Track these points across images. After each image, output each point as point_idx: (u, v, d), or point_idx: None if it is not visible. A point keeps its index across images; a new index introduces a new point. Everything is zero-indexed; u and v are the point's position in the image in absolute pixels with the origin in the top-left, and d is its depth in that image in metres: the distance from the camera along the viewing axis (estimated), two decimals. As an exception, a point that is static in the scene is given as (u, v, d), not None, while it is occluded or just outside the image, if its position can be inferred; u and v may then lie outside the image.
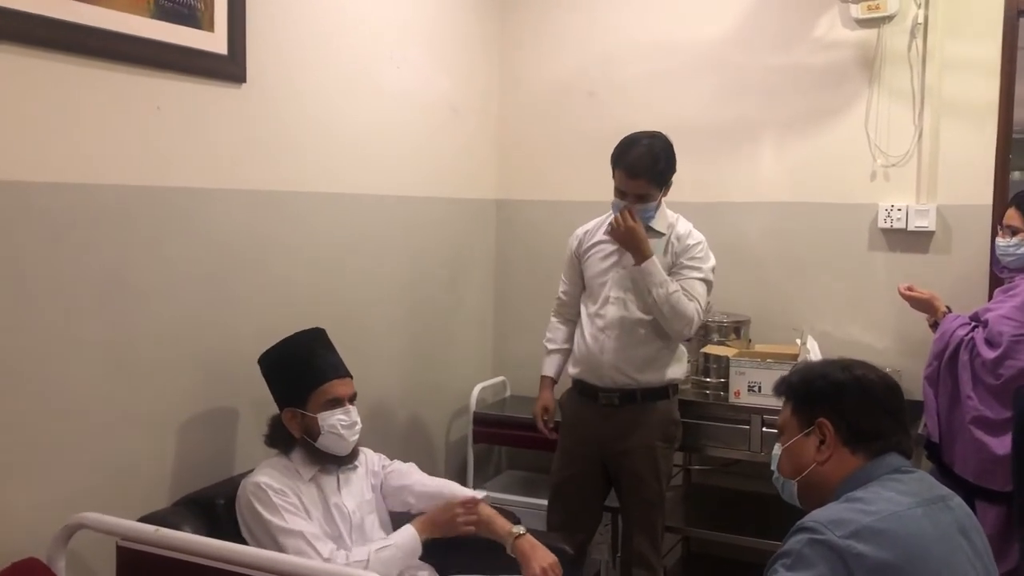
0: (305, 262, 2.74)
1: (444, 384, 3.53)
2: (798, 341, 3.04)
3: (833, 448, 1.57)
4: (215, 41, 2.39)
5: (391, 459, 2.49)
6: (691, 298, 2.65)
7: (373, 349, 3.07)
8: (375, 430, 3.04)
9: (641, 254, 2.62)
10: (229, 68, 2.44)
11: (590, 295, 2.82)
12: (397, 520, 2.39)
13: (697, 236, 2.75)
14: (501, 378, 3.78)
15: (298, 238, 2.71)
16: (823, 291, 3.32)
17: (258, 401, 2.38)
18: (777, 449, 1.68)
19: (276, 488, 2.13)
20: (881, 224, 3.21)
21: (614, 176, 2.68)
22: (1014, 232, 2.68)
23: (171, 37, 2.25)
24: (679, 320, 2.63)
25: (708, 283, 2.74)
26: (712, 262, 2.76)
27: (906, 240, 3.19)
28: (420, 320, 3.35)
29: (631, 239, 2.62)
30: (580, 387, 2.82)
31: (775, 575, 1.41)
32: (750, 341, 3.24)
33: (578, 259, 2.86)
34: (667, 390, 2.78)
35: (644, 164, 2.62)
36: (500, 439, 3.58)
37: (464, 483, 3.52)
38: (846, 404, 1.58)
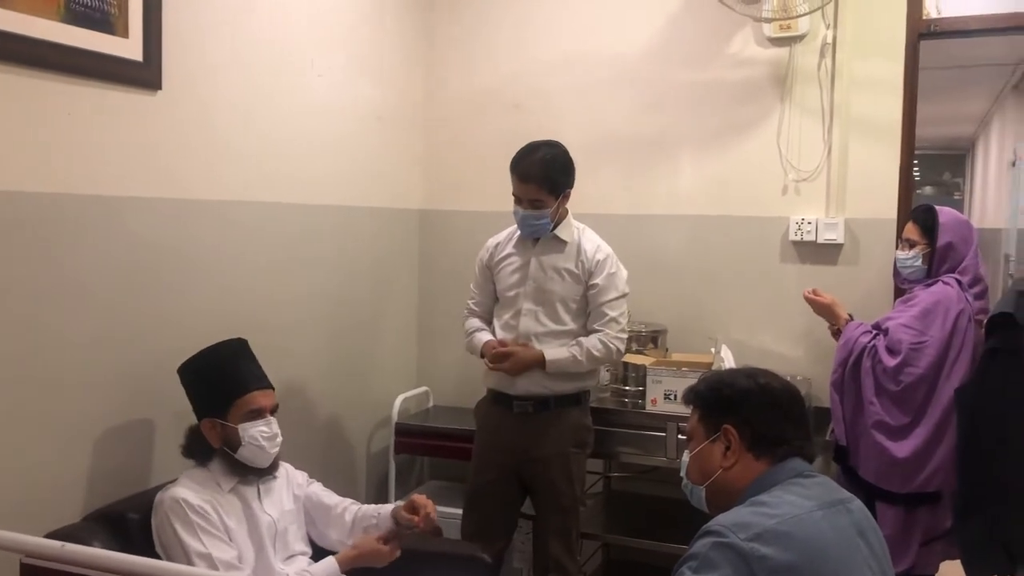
0: (225, 271, 2.70)
1: (367, 394, 3.51)
2: (713, 350, 3.12)
3: (738, 454, 1.62)
4: (129, 47, 2.35)
5: (311, 478, 2.48)
6: (606, 340, 2.74)
7: (295, 360, 3.04)
8: (297, 441, 2.99)
9: (537, 365, 2.71)
10: (144, 74, 2.40)
11: (503, 306, 2.86)
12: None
13: (605, 249, 2.82)
14: (424, 388, 3.78)
15: (218, 247, 2.67)
16: (738, 301, 3.41)
17: (177, 413, 2.34)
18: (686, 456, 1.73)
19: (195, 505, 2.09)
20: (792, 237, 3.32)
21: (512, 182, 2.75)
22: (912, 245, 2.79)
23: (82, 42, 2.20)
24: (606, 362, 2.84)
25: (624, 296, 2.82)
26: (624, 273, 2.84)
27: (816, 252, 3.30)
28: (343, 330, 3.34)
29: (518, 365, 2.71)
30: (494, 396, 2.86)
31: (681, 578, 1.46)
32: (667, 350, 3.31)
33: (489, 270, 2.90)
34: (579, 397, 2.84)
35: (535, 170, 2.70)
36: (422, 449, 3.58)
37: (386, 493, 3.53)
38: (750, 411, 1.64)
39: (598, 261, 2.78)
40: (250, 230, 2.81)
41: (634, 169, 3.52)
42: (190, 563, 2.03)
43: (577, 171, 3.42)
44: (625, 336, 2.84)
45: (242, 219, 2.77)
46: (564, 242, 2.79)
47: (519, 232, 2.84)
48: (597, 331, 2.77)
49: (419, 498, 2.35)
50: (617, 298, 2.79)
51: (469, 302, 2.97)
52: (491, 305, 2.93)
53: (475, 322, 2.93)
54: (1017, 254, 5.84)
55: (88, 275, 2.25)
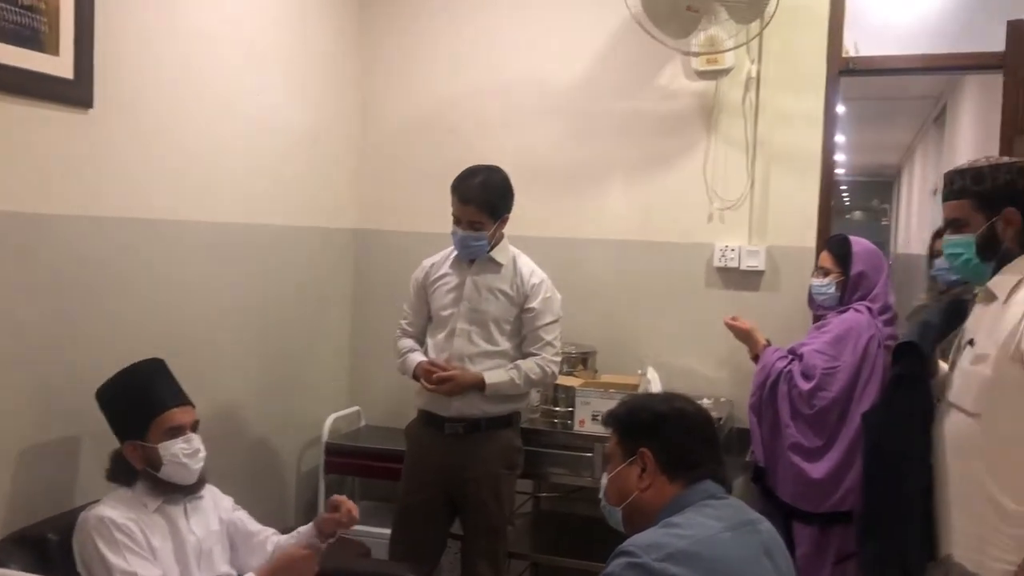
0: (154, 289, 2.69)
1: (297, 414, 3.51)
2: (640, 372, 3.20)
3: (653, 476, 1.68)
4: (60, 65, 2.34)
5: (239, 499, 2.47)
6: (543, 364, 2.83)
7: (223, 379, 3.03)
8: (225, 460, 2.98)
9: (476, 388, 2.76)
10: (75, 92, 2.40)
11: (436, 326, 2.90)
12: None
13: (540, 274, 2.89)
14: (356, 408, 3.79)
15: (147, 265, 2.67)
16: (664, 324, 3.50)
17: (100, 433, 2.31)
18: (604, 478, 1.79)
19: (119, 523, 2.08)
20: (716, 263, 3.42)
21: (452, 203, 2.80)
22: (826, 273, 2.90)
23: (11, 60, 2.20)
24: (542, 386, 2.90)
25: (558, 320, 2.89)
26: (558, 297, 2.91)
27: (739, 278, 3.41)
28: (273, 350, 3.33)
29: (457, 388, 2.75)
30: (426, 417, 2.88)
31: (596, 598, 1.51)
32: (596, 371, 3.39)
33: (424, 290, 2.93)
34: (511, 419, 2.89)
35: (476, 193, 2.76)
36: (353, 469, 3.59)
37: (315, 513, 3.50)
38: (665, 434, 1.70)
39: (533, 285, 2.85)
40: (179, 248, 2.80)
41: (565, 194, 3.60)
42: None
43: (511, 195, 3.48)
44: (559, 360, 2.91)
45: (171, 237, 2.76)
46: (500, 264, 2.85)
47: (455, 253, 2.89)
48: (533, 354, 2.83)
49: (339, 497, 2.36)
50: (552, 322, 2.86)
51: (402, 322, 3.00)
52: (424, 325, 2.96)
53: (408, 342, 2.96)
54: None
55: (9, 293, 2.22)
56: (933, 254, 3.12)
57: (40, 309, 2.32)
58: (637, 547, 1.51)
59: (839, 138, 7.20)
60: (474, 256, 2.84)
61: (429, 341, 2.91)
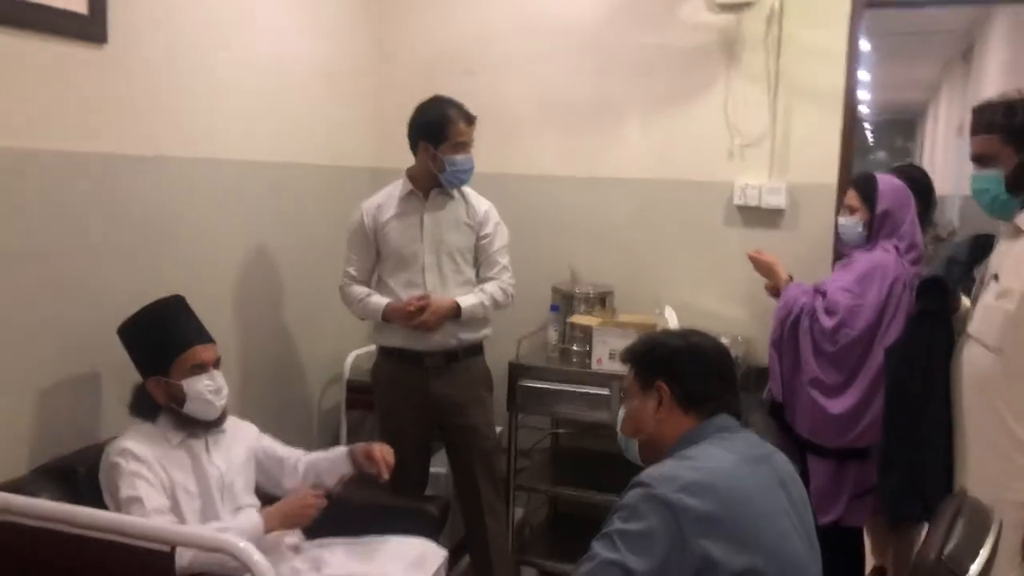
0: (171, 227, 2.70)
1: (317, 352, 3.54)
2: (657, 311, 3.20)
3: (669, 409, 1.70)
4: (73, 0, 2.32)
5: (262, 430, 2.52)
6: (503, 286, 2.92)
7: (243, 317, 3.05)
8: (247, 398, 3.04)
9: (452, 315, 2.82)
10: (89, 27, 2.38)
11: (398, 266, 2.88)
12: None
13: (486, 202, 2.97)
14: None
15: (166, 203, 2.67)
16: (683, 264, 3.49)
17: (123, 367, 2.34)
18: (621, 411, 1.80)
19: (137, 454, 2.13)
20: (736, 201, 3.39)
21: (456, 131, 2.81)
22: (852, 211, 2.87)
23: (23, -6, 2.18)
24: (503, 308, 2.95)
25: (507, 245, 2.98)
26: (503, 224, 2.99)
27: (759, 217, 3.38)
28: (293, 288, 3.35)
29: (437, 314, 2.79)
30: (399, 354, 2.91)
31: (611, 526, 1.53)
32: (615, 311, 3.39)
33: (372, 233, 2.91)
34: (481, 346, 2.99)
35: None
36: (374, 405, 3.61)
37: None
38: (681, 368, 1.71)
39: (485, 211, 2.93)
40: (198, 186, 2.80)
41: (583, 133, 3.56)
42: (118, 507, 2.08)
43: (526, 134, 3.46)
44: (514, 282, 2.98)
45: (189, 175, 2.76)
46: (451, 197, 2.89)
47: (397, 192, 2.90)
48: (492, 279, 2.91)
49: (377, 449, 2.42)
50: (504, 246, 2.96)
51: (349, 269, 2.96)
52: (371, 270, 2.96)
53: (361, 288, 2.94)
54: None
55: (25, 229, 2.24)
56: None
57: (57, 245, 2.33)
58: (653, 479, 1.53)
59: (863, 75, 7.07)
60: (466, 183, 2.90)
61: (392, 283, 2.89)
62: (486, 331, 2.98)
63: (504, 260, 2.94)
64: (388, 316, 2.85)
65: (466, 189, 2.93)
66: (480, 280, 2.93)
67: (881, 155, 16.50)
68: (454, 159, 2.80)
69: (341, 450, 2.48)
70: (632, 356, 1.79)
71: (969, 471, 2.04)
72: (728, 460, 1.59)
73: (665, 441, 1.69)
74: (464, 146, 2.81)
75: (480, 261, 2.93)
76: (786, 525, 1.58)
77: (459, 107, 2.84)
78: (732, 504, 1.52)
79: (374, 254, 2.93)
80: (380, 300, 2.88)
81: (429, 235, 2.85)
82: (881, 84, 10.10)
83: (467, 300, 2.84)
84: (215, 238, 2.90)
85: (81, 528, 1.81)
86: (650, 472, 1.57)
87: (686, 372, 1.71)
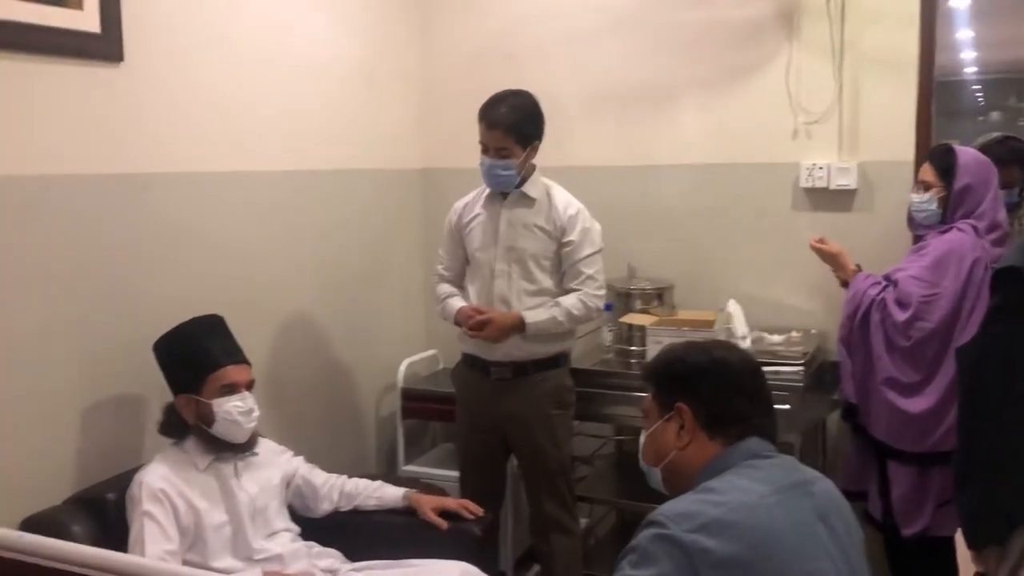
0: (207, 245, 2.66)
1: (371, 360, 3.47)
2: (720, 307, 2.99)
3: (692, 433, 1.52)
4: (85, 19, 2.29)
5: (317, 444, 2.53)
6: (585, 299, 2.70)
7: (290, 331, 3.01)
8: (299, 412, 3.01)
9: (516, 331, 2.65)
10: (103, 47, 2.34)
11: (474, 269, 2.80)
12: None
13: (576, 205, 2.74)
14: (433, 351, 3.72)
15: (199, 221, 2.63)
16: (748, 253, 3.26)
17: (165, 390, 2.31)
18: (642, 436, 1.63)
19: (154, 490, 2.10)
20: (803, 183, 3.14)
21: (479, 132, 2.67)
22: (927, 187, 2.63)
23: (32, 17, 2.14)
24: (585, 322, 2.79)
25: (600, 251, 2.75)
26: (597, 227, 2.77)
27: (829, 199, 3.13)
28: (343, 297, 3.29)
29: (499, 331, 2.65)
30: (471, 361, 2.82)
31: (621, 572, 1.37)
32: (674, 307, 3.19)
33: (459, 232, 2.83)
34: (558, 360, 2.79)
35: (502, 116, 2.62)
36: (432, 414, 3.52)
37: (394, 459, 3.50)
38: (703, 387, 1.54)
39: (570, 216, 2.70)
40: (232, 201, 2.75)
41: (634, 118, 3.36)
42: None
43: (573, 121, 3.27)
44: (603, 293, 2.77)
45: (222, 190, 2.71)
46: (533, 199, 2.72)
47: (487, 191, 2.77)
48: (575, 290, 2.71)
49: (452, 502, 2.44)
50: (593, 254, 2.72)
51: (438, 267, 2.92)
52: (461, 270, 2.87)
53: (446, 287, 2.87)
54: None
55: (59, 255, 2.23)
56: None
57: (90, 270, 2.31)
58: (667, 517, 1.36)
59: (966, 33, 6.57)
60: (504, 188, 2.71)
61: (469, 287, 2.81)
62: (564, 345, 2.80)
63: (590, 270, 2.71)
64: (459, 321, 2.77)
65: (555, 190, 2.75)
66: (563, 290, 2.74)
67: (994, 115, 15.53)
68: (482, 160, 2.69)
69: (395, 493, 2.44)
70: (650, 374, 1.62)
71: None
72: (755, 492, 1.40)
73: (690, 469, 1.51)
74: (484, 148, 2.67)
75: (563, 270, 2.74)
76: (824, 566, 1.38)
77: (484, 106, 2.69)
78: (758, 543, 1.34)
79: (462, 253, 2.85)
80: (456, 303, 2.80)
81: (503, 239, 2.72)
82: (988, 41, 9.43)
83: (534, 316, 2.67)
84: (255, 253, 2.85)
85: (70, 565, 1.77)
86: (665, 508, 1.39)
87: (710, 391, 1.53)
